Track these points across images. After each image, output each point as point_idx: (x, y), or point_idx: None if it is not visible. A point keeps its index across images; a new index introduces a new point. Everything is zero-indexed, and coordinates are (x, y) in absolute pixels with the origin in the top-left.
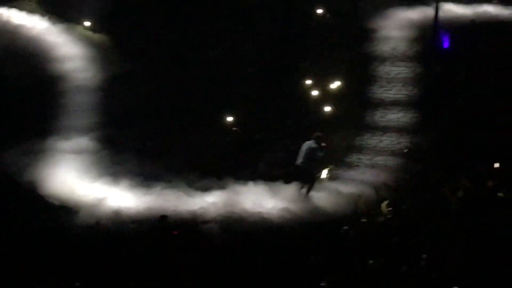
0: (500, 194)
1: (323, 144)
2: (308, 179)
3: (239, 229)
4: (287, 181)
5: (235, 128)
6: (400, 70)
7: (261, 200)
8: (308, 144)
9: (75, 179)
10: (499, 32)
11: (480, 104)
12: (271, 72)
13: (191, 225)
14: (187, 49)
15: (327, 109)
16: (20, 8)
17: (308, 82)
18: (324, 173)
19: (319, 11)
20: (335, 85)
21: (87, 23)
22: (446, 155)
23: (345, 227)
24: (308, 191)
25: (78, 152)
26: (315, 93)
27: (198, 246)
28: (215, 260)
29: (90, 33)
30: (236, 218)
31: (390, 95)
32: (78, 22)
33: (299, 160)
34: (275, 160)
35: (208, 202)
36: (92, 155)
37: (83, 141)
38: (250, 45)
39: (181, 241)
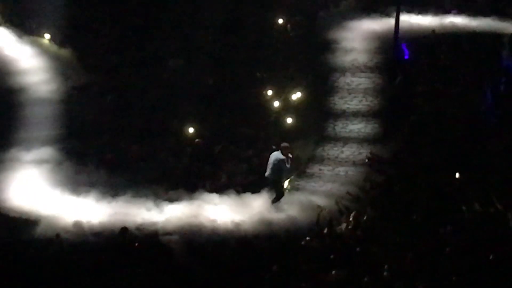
0: (461, 206)
1: (289, 155)
2: (277, 190)
3: (201, 241)
4: (251, 191)
5: (197, 140)
6: (361, 81)
7: (224, 211)
8: (276, 155)
9: (35, 190)
10: (461, 42)
11: (440, 115)
12: (232, 83)
13: (153, 237)
14: (147, 60)
15: (288, 120)
16: None
17: (269, 93)
18: (285, 184)
19: (280, 21)
20: (296, 96)
21: (50, 36)
22: (406, 165)
23: (307, 238)
24: (273, 202)
25: (39, 163)
26: (276, 104)
27: (159, 258)
28: (176, 273)
29: (53, 45)
30: (198, 230)
31: (351, 106)
32: (42, 35)
33: (268, 172)
34: (238, 171)
35: (171, 214)
36: (54, 167)
37: (45, 153)
38: (210, 56)
39: (142, 254)
